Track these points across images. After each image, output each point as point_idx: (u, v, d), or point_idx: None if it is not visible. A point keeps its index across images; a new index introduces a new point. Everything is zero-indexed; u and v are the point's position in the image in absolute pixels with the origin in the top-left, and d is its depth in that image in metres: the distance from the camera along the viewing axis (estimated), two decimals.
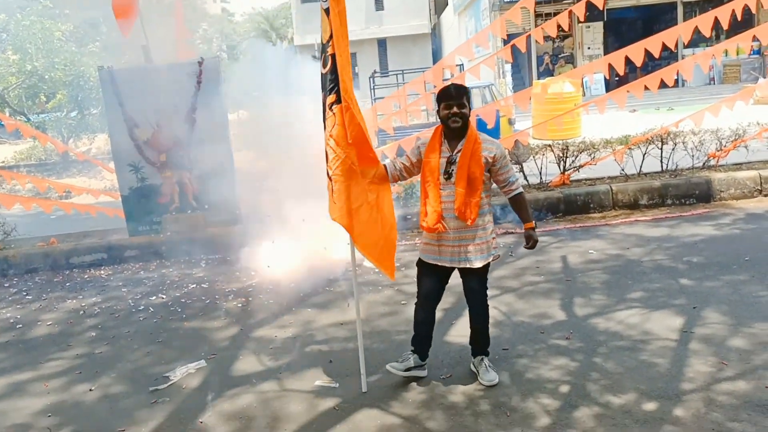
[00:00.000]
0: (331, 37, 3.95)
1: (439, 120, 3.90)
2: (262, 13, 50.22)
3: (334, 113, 3.91)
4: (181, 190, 8.22)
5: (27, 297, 7.03)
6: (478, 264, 3.92)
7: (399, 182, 4.26)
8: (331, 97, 3.92)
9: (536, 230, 4.00)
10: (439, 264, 3.97)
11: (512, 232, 7.52)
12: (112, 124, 8.13)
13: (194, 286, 6.78)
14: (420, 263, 4.09)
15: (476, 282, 4.03)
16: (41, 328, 5.95)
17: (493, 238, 4.01)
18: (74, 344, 5.45)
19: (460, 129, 3.80)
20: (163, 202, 8.18)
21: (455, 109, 3.76)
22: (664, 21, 22.55)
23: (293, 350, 4.87)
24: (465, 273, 4.00)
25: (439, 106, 3.86)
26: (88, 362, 5.03)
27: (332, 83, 3.92)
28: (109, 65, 8.08)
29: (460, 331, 4.86)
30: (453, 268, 4.00)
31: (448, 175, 3.81)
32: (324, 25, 4.00)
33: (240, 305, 6.04)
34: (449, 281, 4.13)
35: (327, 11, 3.95)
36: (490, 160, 3.83)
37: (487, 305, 4.13)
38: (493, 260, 4.03)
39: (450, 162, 3.81)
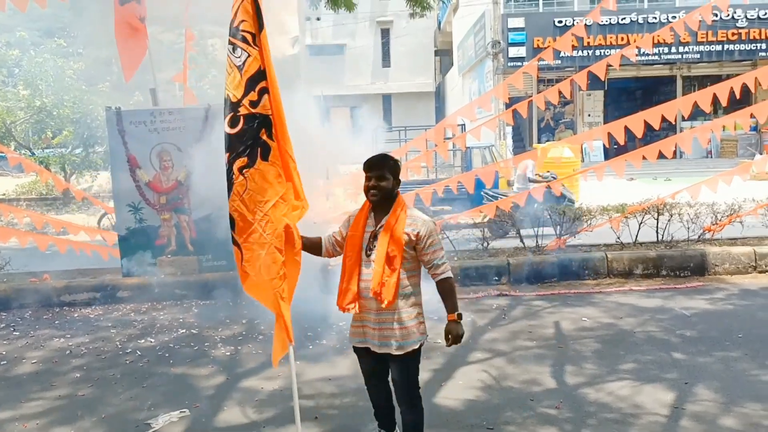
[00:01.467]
0: (251, 84, 3.55)
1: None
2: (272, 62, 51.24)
3: (245, 177, 3.56)
4: (179, 232, 8.25)
5: (14, 333, 6.96)
6: (396, 351, 3.43)
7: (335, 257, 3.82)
8: (242, 161, 3.55)
9: (460, 324, 3.42)
10: (367, 346, 3.56)
11: (506, 294, 7.51)
12: (115, 163, 8.22)
13: (184, 331, 6.72)
14: (354, 348, 3.70)
15: (398, 372, 3.53)
16: (25, 366, 5.87)
17: (420, 322, 3.52)
18: (58, 384, 5.36)
19: (381, 203, 3.47)
20: (160, 244, 8.18)
21: (373, 182, 3.44)
22: (663, 92, 23.07)
23: (278, 404, 4.80)
24: (390, 359, 3.52)
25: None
26: (69, 404, 4.94)
27: (244, 146, 3.55)
28: (117, 106, 8.22)
29: (450, 393, 4.81)
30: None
31: (369, 251, 3.48)
32: (232, 74, 3.56)
33: (228, 353, 5.97)
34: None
35: (246, 41, 3.55)
36: (413, 238, 3.41)
37: (417, 403, 3.61)
38: (418, 348, 3.53)
39: (373, 237, 3.48)
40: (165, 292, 7.93)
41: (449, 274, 3.48)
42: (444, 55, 38.26)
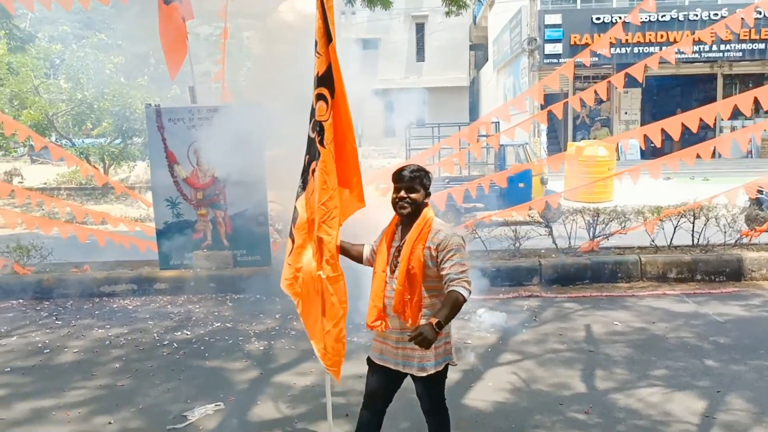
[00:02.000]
0: (327, 77, 3.68)
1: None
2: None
3: (314, 177, 3.70)
4: (214, 227, 8.42)
5: (57, 322, 7.20)
6: (419, 372, 3.29)
7: None
8: (314, 164, 3.70)
9: (435, 331, 3.02)
10: (385, 365, 3.43)
11: (537, 296, 7.50)
12: (154, 159, 8.41)
13: (219, 324, 6.88)
14: (368, 360, 3.57)
15: (422, 389, 3.40)
16: (68, 355, 6.08)
17: (446, 343, 3.34)
18: (98, 374, 5.55)
19: (410, 216, 3.33)
20: (196, 239, 8.37)
21: (403, 193, 3.30)
22: (703, 90, 22.61)
23: (310, 400, 4.90)
24: (413, 378, 3.39)
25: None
26: (109, 394, 5.12)
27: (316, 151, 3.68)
28: (156, 103, 8.40)
29: (479, 395, 4.85)
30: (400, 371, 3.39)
31: (393, 266, 3.34)
32: (320, 63, 3.67)
33: (262, 348, 6.10)
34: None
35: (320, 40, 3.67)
36: (434, 253, 3.23)
37: (443, 414, 3.51)
38: (444, 368, 3.37)
39: (397, 252, 3.34)
40: (200, 285, 8.11)
41: (461, 289, 3.13)
42: (478, 50, 37.99)
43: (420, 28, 35.08)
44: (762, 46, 20.20)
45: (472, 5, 11.11)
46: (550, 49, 21.17)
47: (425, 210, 3.36)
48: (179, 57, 8.05)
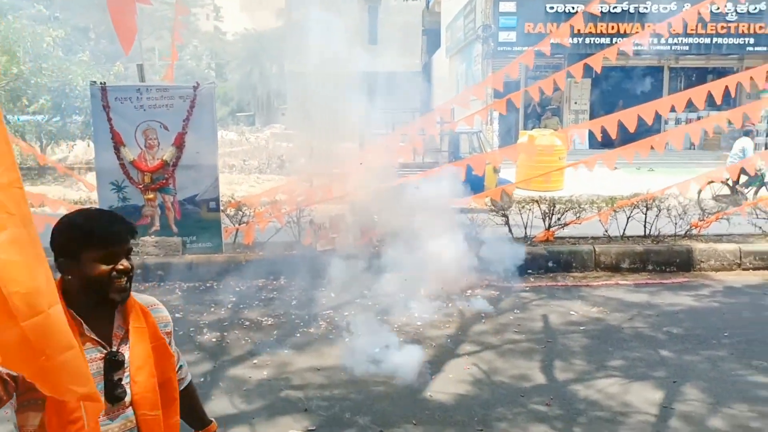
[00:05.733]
0: None
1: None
2: (255, 36, 50.20)
3: None
4: (163, 213, 8.08)
5: None
6: None
7: None
8: None
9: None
10: None
11: (494, 285, 7.47)
12: (98, 140, 7.99)
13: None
14: None
15: None
16: None
17: None
18: None
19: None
20: (143, 224, 8.01)
21: (126, 263, 1.85)
22: (649, 83, 23.11)
23: (267, 394, 4.74)
24: None
25: (81, 255, 1.79)
26: None
27: None
28: (102, 81, 7.98)
29: (440, 387, 4.78)
30: None
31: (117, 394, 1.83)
32: None
33: (214, 339, 5.89)
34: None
35: None
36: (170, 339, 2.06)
37: None
38: None
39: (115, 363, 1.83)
40: (148, 273, 7.78)
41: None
42: (431, 36, 37.93)
43: (373, 11, 34.81)
44: (708, 40, 20.73)
45: None
46: (504, 37, 21.20)
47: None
48: (131, 32, 7.64)
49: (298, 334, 5.96)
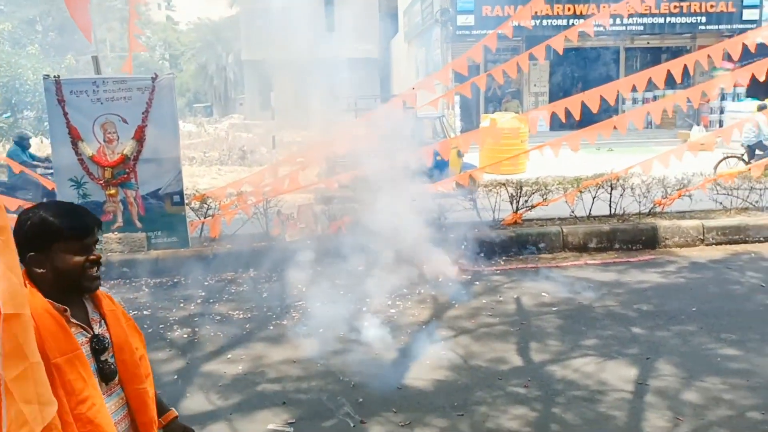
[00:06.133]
0: None
1: None
2: (209, 25, 49.21)
3: None
4: (125, 208, 7.87)
5: None
6: None
7: None
8: None
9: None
10: None
11: (465, 269, 7.49)
12: (55, 136, 7.72)
13: (135, 312, 6.44)
14: None
15: None
16: None
17: None
18: None
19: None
20: (106, 221, 7.78)
21: (97, 254, 1.93)
22: (605, 63, 23.41)
23: (243, 389, 4.66)
24: None
25: (54, 248, 1.81)
26: None
27: None
28: (56, 75, 7.70)
29: (418, 374, 4.77)
30: None
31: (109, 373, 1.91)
32: None
33: (186, 336, 5.77)
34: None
35: None
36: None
37: None
38: None
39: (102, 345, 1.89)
40: (112, 270, 7.58)
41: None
42: (388, 20, 37.70)
43: None
44: (661, 20, 21.08)
45: None
46: (462, 20, 21.19)
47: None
48: (87, 20, 7.37)
49: (271, 327, 5.89)
